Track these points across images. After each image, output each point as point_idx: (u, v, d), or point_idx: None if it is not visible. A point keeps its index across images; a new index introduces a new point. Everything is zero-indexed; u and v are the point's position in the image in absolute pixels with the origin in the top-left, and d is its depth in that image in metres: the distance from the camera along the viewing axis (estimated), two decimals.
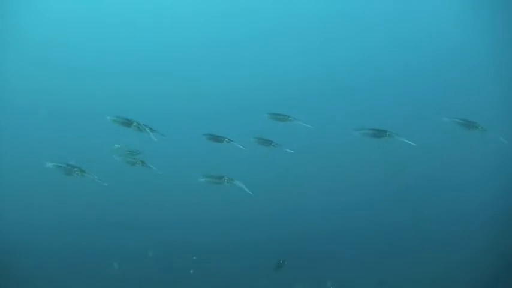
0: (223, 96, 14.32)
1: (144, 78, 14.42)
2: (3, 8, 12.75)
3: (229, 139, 5.22)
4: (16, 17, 13.11)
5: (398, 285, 9.55)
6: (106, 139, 7.38)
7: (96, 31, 14.43)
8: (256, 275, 9.57)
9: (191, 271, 9.84)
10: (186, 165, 10.34)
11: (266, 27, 14.97)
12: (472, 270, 9.15)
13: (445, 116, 4.84)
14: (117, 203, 11.31)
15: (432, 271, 9.75)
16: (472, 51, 13.30)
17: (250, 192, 4.83)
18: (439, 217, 11.26)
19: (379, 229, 11.20)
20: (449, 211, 11.32)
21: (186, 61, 14.68)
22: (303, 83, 14.23)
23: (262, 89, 14.25)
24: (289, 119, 5.50)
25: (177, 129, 8.58)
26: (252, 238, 11.00)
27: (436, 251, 10.31)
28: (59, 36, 14.06)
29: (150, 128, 4.53)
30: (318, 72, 14.47)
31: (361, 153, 11.25)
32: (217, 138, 5.26)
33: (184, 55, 14.71)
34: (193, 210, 11.57)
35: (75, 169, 4.44)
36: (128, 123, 4.53)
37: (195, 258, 9.91)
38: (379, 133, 4.67)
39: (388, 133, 4.64)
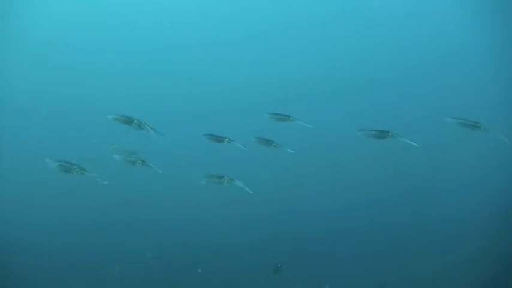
0: (223, 96, 14.32)
1: (144, 78, 14.42)
2: (3, 8, 12.74)
3: (229, 139, 5.23)
4: (16, 17, 13.11)
5: (398, 285, 9.55)
6: (106, 139, 7.38)
7: (96, 31, 14.43)
8: (256, 275, 9.58)
9: (199, 270, 9.85)
10: (186, 165, 10.34)
11: (266, 27, 14.97)
12: (472, 270, 9.15)
13: (446, 116, 4.84)
14: (117, 203, 11.30)
15: (432, 271, 9.75)
16: (472, 52, 13.30)
17: (251, 192, 4.84)
18: (438, 217, 11.26)
19: (379, 229, 11.20)
20: (449, 211, 11.32)
21: (186, 61, 14.68)
22: (304, 83, 14.23)
23: (263, 89, 14.25)
24: (290, 119, 5.51)
25: (177, 129, 8.59)
26: (252, 238, 10.99)
27: (436, 251, 10.31)
28: (59, 36, 14.05)
29: (151, 127, 4.56)
30: (319, 72, 14.47)
31: (362, 154, 11.25)
32: (217, 138, 5.27)
33: (184, 55, 14.71)
34: (193, 210, 11.57)
35: (75, 167, 4.44)
36: (128, 121, 4.55)
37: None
38: (381, 134, 4.67)
39: (390, 134, 4.65)
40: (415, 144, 4.59)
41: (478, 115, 4.95)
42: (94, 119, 9.99)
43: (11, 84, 13.30)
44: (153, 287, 9.75)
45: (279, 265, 8.90)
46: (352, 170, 12.58)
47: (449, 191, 11.79)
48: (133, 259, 10.18)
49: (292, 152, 5.55)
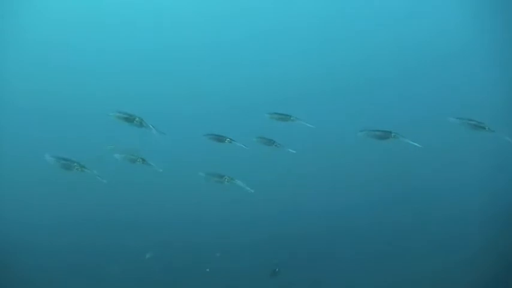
0: (224, 96, 14.31)
1: (145, 78, 14.41)
2: (3, 8, 12.74)
3: (230, 139, 5.23)
4: (16, 17, 13.10)
5: (398, 285, 9.55)
6: (106, 139, 7.38)
7: (96, 31, 14.43)
8: (256, 275, 9.57)
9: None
10: (187, 165, 10.33)
11: (266, 27, 14.97)
12: (472, 270, 9.15)
13: (446, 116, 4.83)
14: (117, 203, 11.31)
15: (432, 271, 9.75)
16: (473, 52, 13.30)
17: (252, 190, 4.83)
18: (438, 217, 11.26)
19: (379, 229, 11.20)
20: (449, 211, 11.31)
21: (187, 61, 14.68)
22: (304, 83, 14.23)
23: (263, 89, 14.25)
24: (291, 118, 5.51)
25: (178, 129, 8.57)
26: (252, 238, 10.99)
27: (436, 251, 10.31)
28: (59, 36, 14.05)
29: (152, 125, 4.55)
30: (319, 72, 14.47)
31: (363, 154, 11.24)
32: (218, 138, 5.27)
33: (184, 55, 14.70)
34: (193, 210, 11.56)
35: (75, 164, 4.43)
36: (130, 118, 4.54)
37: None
38: (384, 134, 4.65)
39: (393, 134, 4.63)
40: (417, 145, 4.57)
41: (479, 115, 4.94)
42: (94, 119, 10.00)
43: (11, 84, 13.29)
44: (153, 287, 9.75)
45: (276, 269, 8.90)
46: (353, 170, 12.58)
47: (450, 191, 11.78)
48: (133, 258, 10.18)
49: (294, 152, 5.54)
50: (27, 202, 11.36)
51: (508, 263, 9.01)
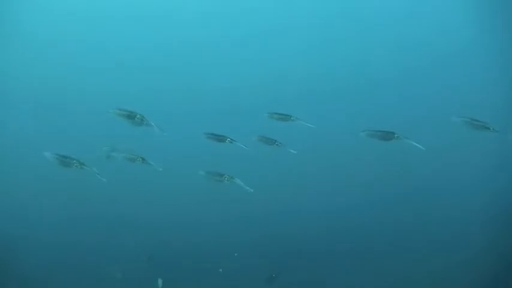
0: (224, 96, 14.30)
1: (145, 78, 14.40)
2: (3, 6, 12.74)
3: (231, 139, 5.21)
4: (16, 14, 13.10)
5: (398, 285, 9.55)
6: (106, 138, 7.36)
7: (97, 29, 14.42)
8: (256, 275, 9.57)
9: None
10: (187, 165, 10.32)
11: (266, 26, 14.96)
12: (472, 270, 9.15)
13: (446, 116, 4.80)
14: (117, 202, 11.30)
15: (432, 271, 9.75)
16: (473, 52, 13.29)
17: (251, 190, 4.82)
18: (439, 217, 11.26)
19: (380, 229, 11.20)
20: (450, 211, 11.31)
21: (187, 60, 14.67)
22: (304, 83, 14.23)
23: (264, 89, 14.24)
24: (292, 118, 5.49)
25: (178, 129, 8.57)
26: (253, 238, 10.98)
27: (437, 251, 10.31)
28: (59, 36, 14.04)
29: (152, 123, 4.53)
30: (319, 72, 14.47)
31: (363, 153, 11.24)
32: (219, 138, 5.25)
33: (185, 54, 14.70)
34: (193, 210, 11.56)
35: (74, 161, 4.41)
36: (131, 115, 4.52)
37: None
38: (387, 135, 4.61)
39: (396, 135, 4.58)
40: (420, 147, 4.51)
41: (479, 115, 4.92)
42: (94, 118, 10.00)
43: (11, 81, 13.28)
44: (153, 287, 9.74)
45: (273, 275, 8.89)
46: (354, 170, 12.57)
47: (451, 191, 11.78)
48: (132, 258, 10.17)
49: (295, 152, 5.53)
50: (27, 200, 11.36)
51: (508, 263, 9.01)
